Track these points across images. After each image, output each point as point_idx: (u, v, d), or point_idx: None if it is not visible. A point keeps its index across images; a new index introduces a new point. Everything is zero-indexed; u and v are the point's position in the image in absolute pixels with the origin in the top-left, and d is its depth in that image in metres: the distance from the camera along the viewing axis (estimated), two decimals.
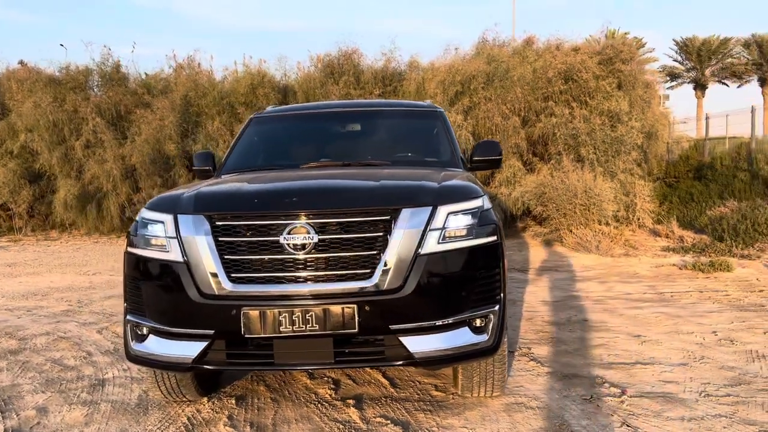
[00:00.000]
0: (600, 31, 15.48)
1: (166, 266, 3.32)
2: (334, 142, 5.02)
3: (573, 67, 12.86)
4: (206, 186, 3.73)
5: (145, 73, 16.17)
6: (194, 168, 4.91)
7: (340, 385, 4.19)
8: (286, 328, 3.13)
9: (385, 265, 3.12)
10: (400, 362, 3.20)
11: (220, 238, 3.23)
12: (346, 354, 3.19)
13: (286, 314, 3.12)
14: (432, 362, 3.20)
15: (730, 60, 36.79)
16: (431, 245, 3.18)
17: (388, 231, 3.16)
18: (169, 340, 3.32)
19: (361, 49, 16.38)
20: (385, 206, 3.22)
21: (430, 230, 3.18)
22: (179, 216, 3.34)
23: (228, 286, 3.18)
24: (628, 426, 3.42)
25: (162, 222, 3.38)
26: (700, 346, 4.84)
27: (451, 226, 3.23)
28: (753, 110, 14.37)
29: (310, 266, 3.16)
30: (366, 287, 3.12)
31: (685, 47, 38.71)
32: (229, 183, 3.87)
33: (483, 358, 3.40)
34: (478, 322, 3.26)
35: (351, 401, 3.89)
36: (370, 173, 3.93)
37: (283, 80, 15.68)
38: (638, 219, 11.45)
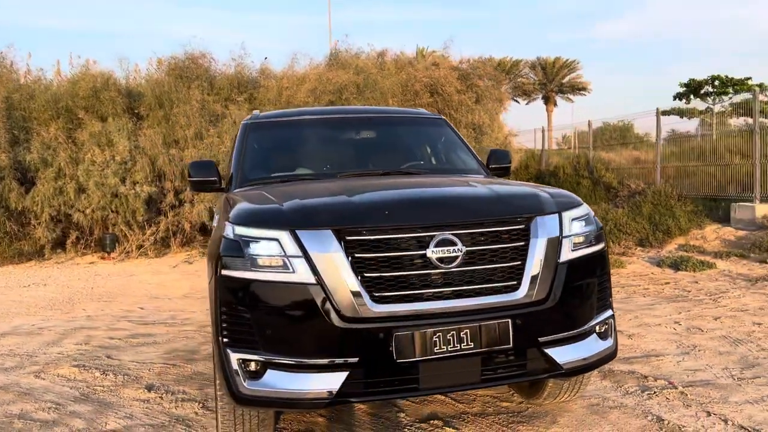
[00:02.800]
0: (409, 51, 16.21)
1: (291, 289, 2.87)
2: (354, 149, 4.70)
3: (438, 81, 13.44)
4: (299, 197, 3.28)
5: None
6: (192, 179, 4.31)
7: (401, 408, 3.94)
8: (440, 348, 2.87)
9: (531, 276, 3.02)
10: (545, 375, 3.12)
11: (355, 255, 2.89)
12: (493, 371, 3.02)
13: (440, 334, 2.88)
14: (576, 372, 3.15)
15: (520, 80, 41.00)
16: (567, 253, 3.13)
17: (527, 240, 3.07)
18: (298, 373, 2.87)
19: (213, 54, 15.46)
20: (520, 214, 3.12)
21: (563, 238, 3.15)
22: (299, 232, 2.91)
23: (373, 307, 2.85)
24: (711, 414, 3.67)
25: (275, 239, 2.92)
26: (679, 336, 5.33)
27: (576, 233, 3.22)
28: (589, 124, 16.16)
29: (458, 280, 2.94)
30: (515, 300, 2.99)
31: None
32: (320, 193, 3.44)
33: (607, 363, 3.42)
34: (602, 328, 3.29)
35: (437, 422, 3.68)
36: (450, 182, 3.78)
37: (128, 83, 14.33)
38: None
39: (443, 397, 4.05)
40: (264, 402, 2.94)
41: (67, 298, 8.35)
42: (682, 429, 3.47)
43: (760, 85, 32.80)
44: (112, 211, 12.01)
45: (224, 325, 3.00)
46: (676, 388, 4.08)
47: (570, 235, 3.17)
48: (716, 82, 34.60)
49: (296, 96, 13.48)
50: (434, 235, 2.93)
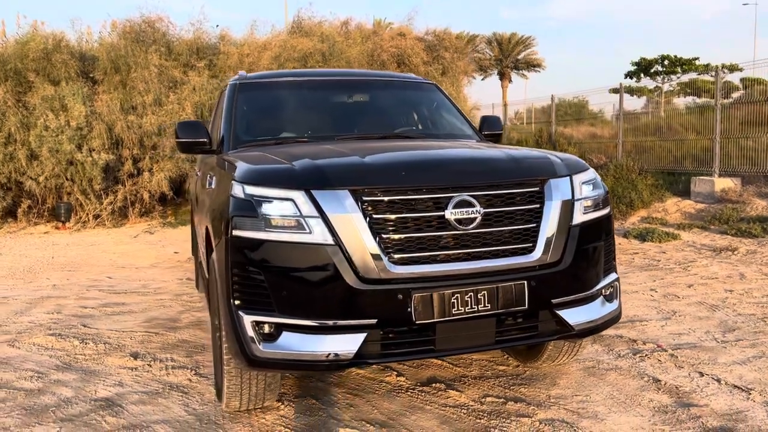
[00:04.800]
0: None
1: (308, 250, 2.79)
2: (348, 112, 4.58)
3: (405, 52, 13.34)
4: (309, 157, 3.18)
5: None
6: (181, 140, 4.13)
7: (400, 372, 3.93)
8: (457, 310, 2.85)
9: (546, 238, 3.02)
10: (556, 336, 3.14)
11: (374, 216, 2.83)
12: (507, 333, 3.03)
13: (458, 295, 2.86)
14: (586, 333, 3.18)
15: (477, 55, 41.14)
16: (579, 216, 3.14)
17: (541, 203, 3.06)
18: (315, 335, 2.81)
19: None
20: (535, 177, 3.11)
21: (575, 201, 3.16)
22: (315, 192, 2.83)
23: (392, 269, 2.81)
24: (704, 374, 3.78)
25: (290, 199, 2.83)
26: (657, 302, 5.48)
27: (586, 196, 3.24)
28: (552, 98, 16.33)
29: (475, 242, 2.92)
30: (530, 262, 2.99)
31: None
32: (332, 153, 3.35)
33: (613, 325, 3.46)
34: (608, 291, 3.32)
35: (439, 385, 3.67)
36: (461, 144, 3.76)
37: (81, 47, 13.73)
38: None
39: (440, 361, 4.05)
40: (279, 365, 2.88)
41: (27, 267, 8.02)
42: (679, 388, 3.57)
43: (726, 66, 33.82)
44: (67, 179, 11.56)
45: (236, 287, 2.91)
46: (665, 350, 4.19)
47: (581, 198, 3.18)
48: (665, 62, 35.48)
49: (258, 63, 13.16)
50: (452, 197, 2.89)
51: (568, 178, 3.19)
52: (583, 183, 3.25)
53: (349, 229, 2.78)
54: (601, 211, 3.30)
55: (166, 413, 3.45)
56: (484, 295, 2.88)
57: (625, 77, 37.46)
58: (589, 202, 3.24)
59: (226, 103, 4.35)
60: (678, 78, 34.03)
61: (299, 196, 2.83)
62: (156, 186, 11.94)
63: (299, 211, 2.81)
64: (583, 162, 3.45)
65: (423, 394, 3.59)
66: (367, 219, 2.80)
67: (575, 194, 3.16)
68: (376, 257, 2.78)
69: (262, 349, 2.84)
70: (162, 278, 7.21)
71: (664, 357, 4.07)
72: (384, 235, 2.81)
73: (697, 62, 34.53)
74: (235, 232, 2.90)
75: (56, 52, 12.63)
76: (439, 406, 3.43)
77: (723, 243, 8.10)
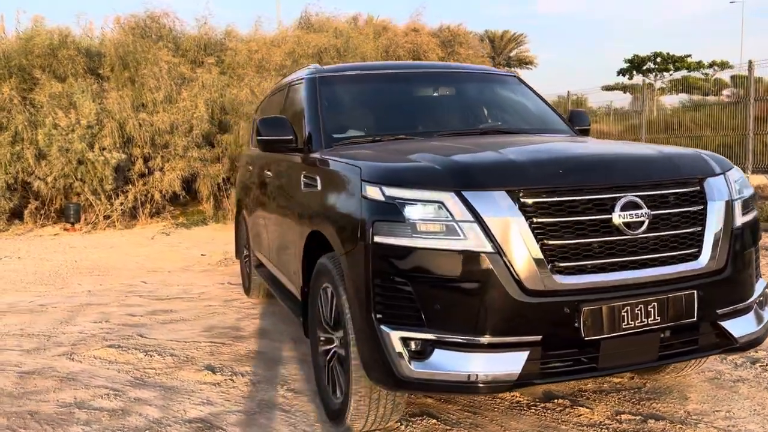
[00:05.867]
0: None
1: (464, 258, 2.51)
2: (438, 107, 4.28)
3: (420, 47, 13.08)
4: (443, 154, 2.90)
5: None
6: (264, 138, 3.82)
7: None
8: (627, 324, 2.59)
9: (711, 242, 2.77)
10: (718, 350, 2.88)
11: (536, 220, 2.55)
12: (669, 348, 2.76)
13: (627, 308, 2.60)
14: (750, 346, 2.91)
15: (470, 51, 40.98)
16: (738, 218, 2.90)
17: (704, 204, 2.81)
18: (472, 353, 2.52)
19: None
20: (695, 176, 2.85)
21: (733, 201, 2.91)
22: (467, 193, 2.55)
23: (558, 279, 2.54)
24: None
25: (439, 201, 2.55)
26: None
27: (741, 196, 2.99)
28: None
29: (642, 248, 2.66)
30: (698, 269, 2.73)
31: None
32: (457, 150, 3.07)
33: None
34: (760, 299, 3.08)
35: (562, 401, 3.42)
36: (582, 141, 3.50)
37: (86, 42, 13.29)
38: None
39: None
40: (431, 386, 2.61)
41: (53, 271, 7.63)
42: None
43: (717, 63, 33.86)
44: (77, 179, 11.12)
45: (378, 299, 2.63)
46: None
47: (737, 198, 2.94)
48: (658, 59, 35.57)
49: (271, 59, 12.86)
50: (618, 197, 2.63)
51: (722, 176, 2.94)
52: (735, 181, 3.01)
53: (510, 235, 2.51)
54: (753, 212, 3.07)
55: None
56: (654, 307, 2.62)
57: (618, 74, 37.57)
58: (744, 203, 3.00)
59: (306, 98, 4.04)
60: (671, 75, 34.15)
61: (449, 197, 2.55)
62: (168, 186, 11.56)
63: (450, 214, 2.53)
64: (727, 160, 3.21)
65: (549, 411, 3.33)
66: (530, 223, 2.53)
67: (732, 194, 2.92)
68: (540, 266, 2.51)
69: (413, 369, 2.56)
70: (200, 282, 6.88)
71: None
72: (547, 241, 2.55)
73: (689, 59, 34.68)
74: (377, 239, 2.62)
75: (63, 48, 12.22)
76: (574, 425, 3.17)
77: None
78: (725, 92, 19.42)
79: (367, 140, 3.72)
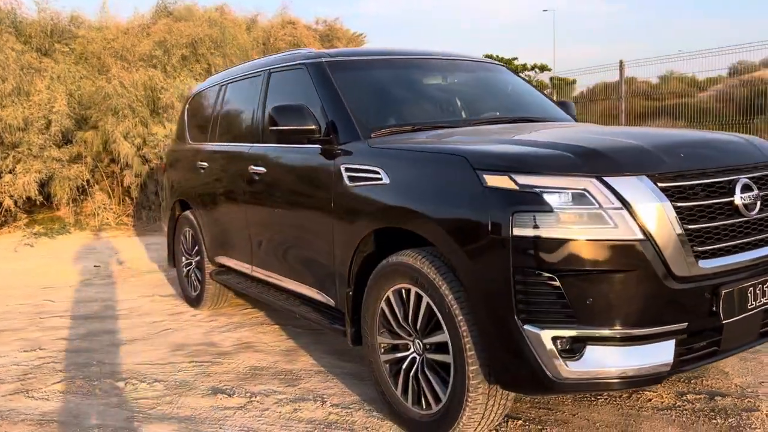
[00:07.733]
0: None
1: (615, 247, 2.36)
2: (457, 95, 4.03)
3: (300, 41, 12.70)
4: (552, 140, 2.71)
5: None
6: (281, 128, 3.40)
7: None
8: (750, 304, 2.63)
9: None
10: None
11: (677, 204, 2.48)
12: (765, 326, 2.84)
13: (751, 288, 2.62)
14: None
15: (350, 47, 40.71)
16: None
17: None
18: (626, 346, 2.39)
19: None
20: None
21: None
22: (609, 179, 2.42)
23: (700, 263, 2.49)
24: None
25: (582, 189, 2.39)
26: None
27: None
28: None
29: (756, 227, 2.71)
30: None
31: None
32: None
33: None
34: None
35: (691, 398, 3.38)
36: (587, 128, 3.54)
37: None
38: None
39: None
40: (590, 385, 2.44)
41: None
42: None
43: (537, 66, 35.94)
44: None
45: (520, 296, 2.41)
46: None
47: None
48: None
49: (138, 48, 11.72)
50: (737, 179, 2.66)
51: None
52: None
53: (658, 221, 2.41)
54: None
55: None
56: None
57: None
58: None
59: (318, 85, 3.65)
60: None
61: (592, 184, 2.41)
62: (22, 190, 10.10)
63: (596, 201, 2.39)
64: None
65: (617, 399, 3.29)
66: (675, 208, 2.47)
67: None
68: (687, 251, 2.46)
69: (569, 369, 2.38)
70: (119, 297, 6.04)
71: None
72: (688, 226, 2.50)
73: (515, 62, 37.32)
74: (517, 232, 2.40)
75: None
76: (653, 410, 3.16)
77: None
78: (545, 92, 21.32)
79: (406, 129, 3.45)
